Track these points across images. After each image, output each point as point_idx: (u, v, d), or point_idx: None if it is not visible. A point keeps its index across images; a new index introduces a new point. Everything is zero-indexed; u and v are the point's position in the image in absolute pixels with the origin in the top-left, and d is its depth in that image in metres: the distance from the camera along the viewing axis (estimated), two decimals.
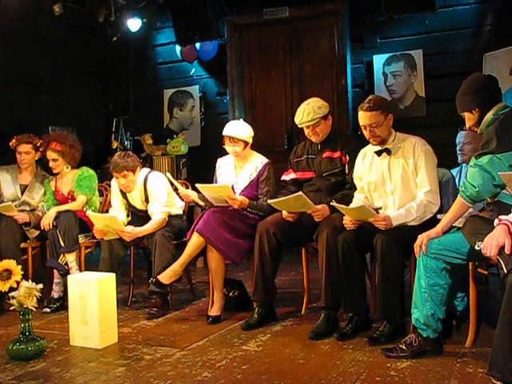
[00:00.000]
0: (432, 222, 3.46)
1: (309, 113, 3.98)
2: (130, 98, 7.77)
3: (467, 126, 3.33)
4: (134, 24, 7.03)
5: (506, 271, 2.57)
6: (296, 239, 4.04)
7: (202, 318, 4.16)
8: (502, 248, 2.62)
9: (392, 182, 3.67)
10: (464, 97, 3.27)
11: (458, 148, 4.73)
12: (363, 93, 6.51)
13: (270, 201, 3.95)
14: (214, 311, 4.10)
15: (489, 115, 3.17)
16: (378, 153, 3.72)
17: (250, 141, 4.32)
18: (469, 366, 3.04)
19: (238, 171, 4.36)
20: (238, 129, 4.29)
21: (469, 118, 3.27)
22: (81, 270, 4.56)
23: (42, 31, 6.75)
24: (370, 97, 3.71)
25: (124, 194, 4.61)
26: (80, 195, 4.83)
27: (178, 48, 7.21)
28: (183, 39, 6.87)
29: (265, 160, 4.35)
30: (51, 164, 4.85)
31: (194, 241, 4.08)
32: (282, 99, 7.10)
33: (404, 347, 3.20)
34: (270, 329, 3.86)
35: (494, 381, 2.52)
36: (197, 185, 4.25)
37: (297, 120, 4.05)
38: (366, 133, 3.66)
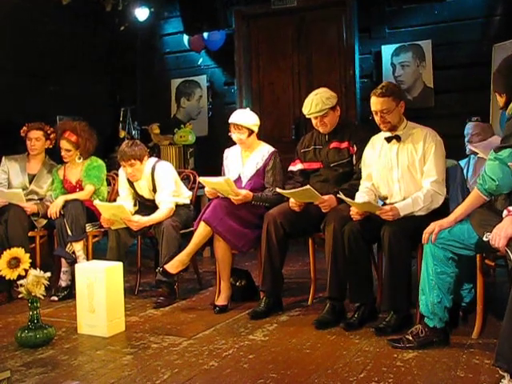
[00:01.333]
0: (439, 212, 3.45)
1: (317, 103, 3.97)
2: (138, 87, 7.78)
3: (499, 105, 3.30)
4: (141, 13, 7.02)
5: None
6: (303, 229, 4.04)
7: (209, 307, 4.17)
8: (511, 239, 2.61)
9: (399, 169, 3.68)
10: (497, 77, 3.22)
11: (466, 139, 4.73)
12: (371, 83, 6.47)
13: (278, 190, 3.96)
14: (221, 301, 4.11)
15: None
16: (388, 139, 3.72)
17: (255, 129, 4.32)
18: (475, 357, 3.04)
19: (244, 161, 4.36)
20: (243, 116, 4.31)
21: (498, 99, 3.26)
22: (88, 259, 4.58)
23: (49, 21, 6.73)
24: (384, 83, 3.75)
25: (131, 184, 4.62)
26: (88, 185, 4.84)
27: (185, 38, 7.19)
28: (191, 29, 6.85)
29: (271, 149, 4.35)
30: (63, 153, 4.85)
31: (201, 230, 4.09)
32: (289, 89, 7.07)
33: (411, 338, 3.20)
34: (277, 319, 3.87)
35: (500, 372, 2.52)
36: (199, 178, 4.26)
37: (305, 110, 4.04)
38: (377, 118, 3.68)
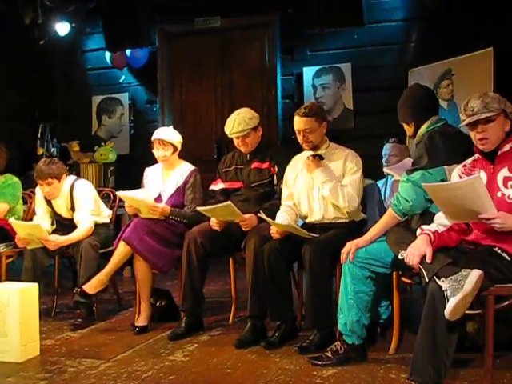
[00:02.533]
0: (358, 232, 3.53)
1: (239, 123, 3.99)
2: (58, 103, 7.58)
3: (408, 135, 3.44)
4: (62, 28, 6.87)
5: (427, 279, 2.65)
6: (224, 248, 4.03)
7: (129, 328, 4.08)
8: (424, 257, 2.70)
9: (320, 188, 3.74)
10: (401, 109, 3.41)
11: (384, 160, 4.85)
12: (293, 104, 6.59)
13: (199, 208, 3.94)
14: (141, 321, 4.04)
15: (423, 128, 3.29)
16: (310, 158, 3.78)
17: (179, 147, 4.31)
18: (392, 371, 3.11)
19: (165, 178, 4.33)
20: (168, 132, 4.30)
21: (407, 129, 3.41)
22: (1, 281, 4.39)
23: None
24: (307, 103, 3.87)
25: (49, 202, 4.49)
26: (1, 203, 4.66)
27: (107, 54, 7.08)
28: (113, 45, 6.75)
29: (192, 167, 4.35)
30: None
31: (121, 249, 4.01)
32: (212, 109, 7.08)
33: (330, 355, 3.24)
34: (198, 338, 3.84)
35: None
36: (118, 193, 4.20)
37: (227, 130, 4.06)
38: (299, 137, 3.75)
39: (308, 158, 3.75)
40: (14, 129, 7.01)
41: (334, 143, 3.87)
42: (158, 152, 4.26)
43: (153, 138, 4.28)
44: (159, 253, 4.02)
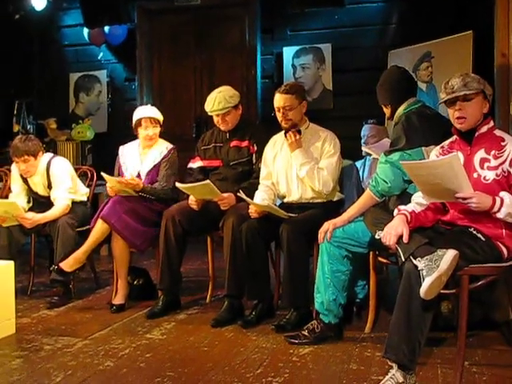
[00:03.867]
0: (335, 211, 3.55)
1: (220, 101, 3.98)
2: (34, 80, 7.46)
3: (386, 116, 3.47)
4: (38, 2, 6.73)
5: (403, 259, 2.67)
6: (202, 227, 4.03)
7: (106, 306, 4.08)
8: (401, 237, 2.72)
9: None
10: (379, 91, 3.45)
11: (362, 141, 4.87)
12: (272, 84, 6.57)
13: (178, 184, 3.93)
14: (118, 299, 4.04)
15: (400, 110, 3.32)
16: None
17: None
18: (367, 350, 3.15)
19: (142, 158, 4.30)
20: (155, 111, 4.30)
21: (385, 111, 3.44)
22: None
23: None
24: (289, 82, 3.94)
25: (25, 180, 4.44)
26: None
27: (85, 30, 6.98)
28: (91, 22, 6.64)
29: (170, 145, 4.33)
30: None
31: (99, 227, 3.99)
32: (191, 87, 7.03)
33: (306, 334, 3.27)
34: (175, 317, 3.84)
35: (389, 362, 2.62)
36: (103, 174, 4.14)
37: (207, 108, 4.04)
38: (279, 115, 3.76)
39: (289, 133, 3.74)
40: None
41: (313, 124, 3.88)
42: (146, 131, 4.21)
43: (139, 116, 4.22)
44: (137, 231, 4.00)
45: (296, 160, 3.72)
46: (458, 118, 2.81)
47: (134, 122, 4.25)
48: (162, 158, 4.24)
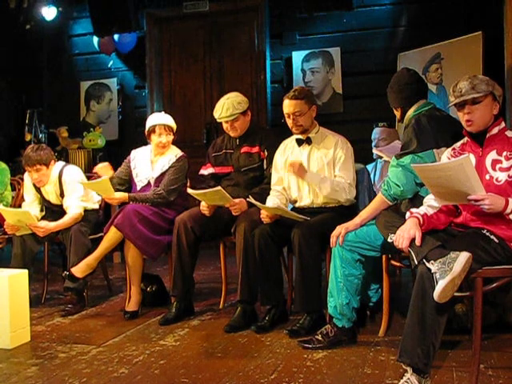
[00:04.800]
0: (348, 215, 3.54)
1: (228, 108, 3.98)
2: (45, 89, 7.53)
3: (397, 118, 3.47)
4: (48, 12, 6.81)
5: (416, 262, 2.66)
6: (214, 233, 4.03)
7: (119, 313, 4.09)
8: (413, 240, 2.71)
9: (309, 172, 3.74)
10: (389, 94, 3.44)
11: (373, 144, 4.86)
12: (282, 89, 6.60)
13: (189, 190, 3.93)
14: (132, 306, 4.05)
15: (410, 112, 3.31)
16: (299, 142, 3.78)
17: None
18: (381, 354, 3.13)
19: (154, 165, 4.30)
20: (168, 118, 4.31)
21: (396, 113, 3.45)
22: None
23: None
24: (297, 87, 3.83)
25: (38, 189, 4.46)
26: None
27: (95, 39, 7.03)
28: (101, 30, 6.69)
29: (180, 153, 4.33)
30: None
31: (111, 235, 4.01)
32: (201, 94, 7.07)
33: (320, 338, 3.26)
34: (188, 323, 3.85)
35: (404, 366, 2.61)
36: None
37: (216, 114, 4.05)
38: (289, 121, 3.75)
39: (290, 166, 3.65)
40: (1, 115, 6.96)
41: (323, 128, 3.86)
42: (160, 138, 4.21)
43: (154, 123, 4.22)
44: (150, 239, 4.01)
45: (313, 182, 3.67)
46: (467, 120, 2.80)
47: (147, 128, 4.25)
48: (170, 166, 4.24)
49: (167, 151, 4.31)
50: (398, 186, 3.14)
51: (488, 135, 2.81)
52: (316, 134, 3.81)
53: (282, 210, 3.61)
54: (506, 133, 2.82)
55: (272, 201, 3.79)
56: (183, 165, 4.26)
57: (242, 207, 3.85)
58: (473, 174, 2.59)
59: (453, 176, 2.59)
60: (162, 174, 4.23)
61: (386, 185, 3.19)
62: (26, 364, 3.18)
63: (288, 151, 3.89)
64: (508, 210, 2.61)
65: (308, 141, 3.78)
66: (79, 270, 4.03)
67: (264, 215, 3.64)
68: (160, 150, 4.28)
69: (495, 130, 2.81)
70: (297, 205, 3.84)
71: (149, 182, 4.23)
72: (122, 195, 4.11)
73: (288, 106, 3.72)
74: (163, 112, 4.50)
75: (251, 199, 3.65)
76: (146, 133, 4.27)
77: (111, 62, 7.32)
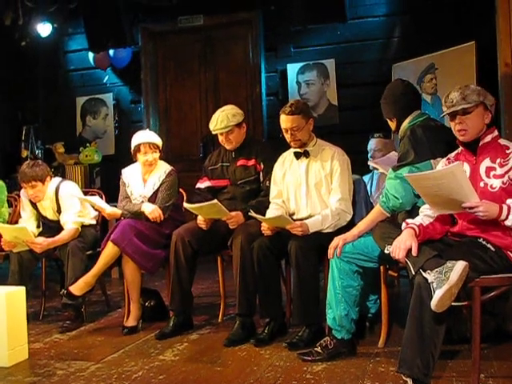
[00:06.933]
0: (345, 226, 3.54)
1: (222, 120, 3.99)
2: (41, 105, 7.54)
3: (392, 129, 3.48)
4: (43, 29, 6.82)
5: (413, 272, 2.66)
6: (211, 247, 4.02)
7: (118, 329, 4.07)
8: (410, 251, 2.71)
9: (307, 185, 3.74)
10: (384, 105, 3.44)
11: (369, 155, 4.86)
12: (277, 101, 6.62)
13: (185, 204, 3.94)
14: (130, 322, 4.03)
15: (405, 123, 3.31)
16: (297, 155, 3.79)
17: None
18: (381, 365, 3.12)
19: (145, 184, 4.29)
20: (153, 135, 4.29)
21: (390, 124, 3.44)
22: None
23: None
24: (293, 101, 3.81)
25: (34, 205, 4.46)
26: None
27: (90, 55, 7.05)
28: (96, 46, 6.71)
29: (168, 168, 4.30)
30: None
31: (109, 251, 4.00)
32: (196, 107, 7.09)
33: (320, 350, 3.25)
34: (187, 337, 3.83)
35: (404, 377, 2.61)
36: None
37: (211, 127, 4.06)
38: (287, 136, 3.74)
39: (292, 230, 3.57)
40: None
41: (321, 140, 3.85)
42: (146, 156, 4.19)
43: (138, 142, 4.19)
44: (147, 253, 4.00)
45: (316, 228, 3.58)
46: (459, 130, 2.83)
47: (132, 147, 4.24)
48: (162, 183, 4.23)
49: (156, 168, 4.29)
50: (396, 198, 3.13)
51: (481, 143, 2.83)
52: (314, 146, 3.80)
53: (283, 219, 3.58)
54: (499, 141, 2.84)
55: (272, 213, 3.77)
56: (174, 179, 4.25)
57: (239, 220, 3.85)
58: (465, 182, 2.60)
59: (445, 184, 2.60)
60: (155, 193, 4.22)
61: (385, 197, 3.19)
62: (24, 382, 3.17)
63: (286, 164, 3.88)
64: (502, 217, 2.61)
65: (306, 154, 3.78)
66: (77, 288, 4.01)
67: (265, 228, 3.63)
68: (148, 168, 4.26)
69: (488, 138, 2.83)
70: (295, 217, 3.83)
71: (143, 201, 4.23)
72: (111, 210, 4.13)
73: (285, 121, 3.71)
74: (147, 129, 4.48)
75: (252, 213, 3.65)
76: (132, 152, 4.25)
77: (107, 77, 7.34)
